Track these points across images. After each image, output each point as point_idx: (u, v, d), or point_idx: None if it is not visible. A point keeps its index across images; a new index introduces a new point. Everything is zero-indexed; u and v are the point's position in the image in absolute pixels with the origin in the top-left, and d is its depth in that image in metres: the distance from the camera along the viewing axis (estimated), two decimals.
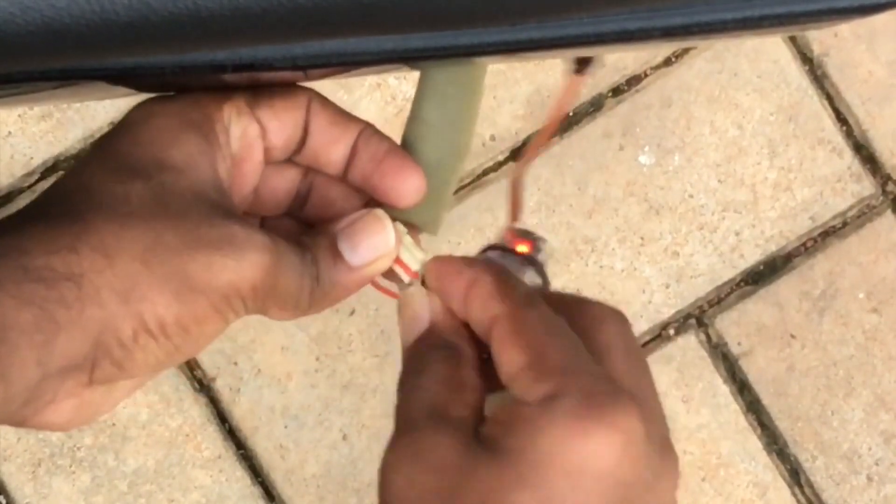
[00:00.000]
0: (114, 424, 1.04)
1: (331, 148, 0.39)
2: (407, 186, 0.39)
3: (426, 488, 0.34)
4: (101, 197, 0.35)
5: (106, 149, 0.37)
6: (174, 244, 0.34)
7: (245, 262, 0.35)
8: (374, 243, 0.39)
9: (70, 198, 0.35)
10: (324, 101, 0.39)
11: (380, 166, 0.39)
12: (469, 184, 1.05)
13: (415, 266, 0.40)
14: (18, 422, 0.35)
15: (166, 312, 0.34)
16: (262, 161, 0.39)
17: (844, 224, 1.06)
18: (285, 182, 0.41)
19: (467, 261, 0.39)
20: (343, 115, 0.40)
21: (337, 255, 0.38)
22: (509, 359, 0.35)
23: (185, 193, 0.35)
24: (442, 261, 0.40)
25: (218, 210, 0.36)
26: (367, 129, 0.40)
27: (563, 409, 0.33)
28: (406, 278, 0.40)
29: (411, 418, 0.36)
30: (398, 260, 0.40)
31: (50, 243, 0.33)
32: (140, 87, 0.37)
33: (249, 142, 0.38)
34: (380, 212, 0.39)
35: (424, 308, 0.39)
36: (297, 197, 0.41)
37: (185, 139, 0.36)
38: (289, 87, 0.39)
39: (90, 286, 0.33)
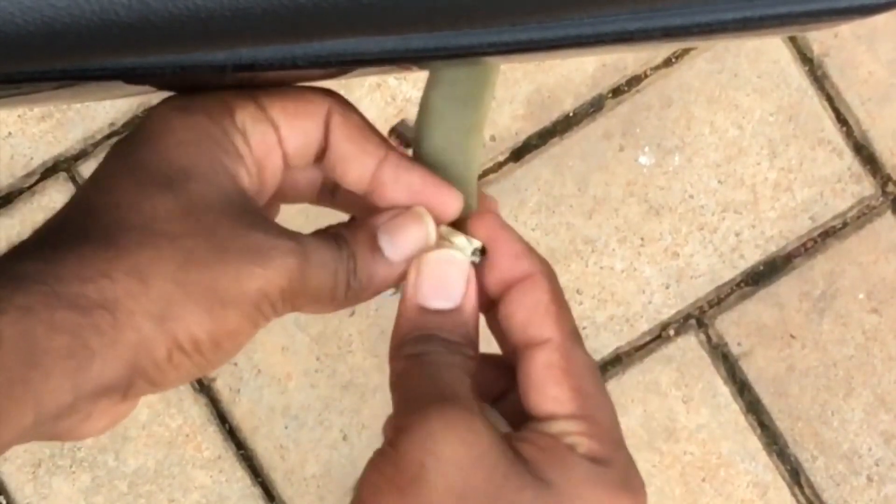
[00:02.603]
0: None
1: (348, 165, 0.39)
2: (449, 210, 0.40)
3: (473, 478, 0.35)
4: (131, 215, 0.35)
5: (129, 160, 0.36)
6: (204, 259, 0.35)
7: (271, 268, 0.35)
8: (414, 238, 0.39)
9: (100, 217, 0.35)
10: (345, 112, 0.39)
11: (419, 199, 0.39)
12: None
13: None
14: (51, 438, 0.35)
15: (199, 330, 0.35)
16: (281, 166, 0.39)
17: (844, 224, 1.06)
18: (306, 178, 0.41)
19: (529, 246, 0.40)
20: (362, 135, 0.39)
21: (376, 248, 0.39)
22: (556, 396, 0.37)
23: (212, 203, 0.36)
24: (503, 232, 0.40)
25: (244, 218, 0.36)
26: (391, 156, 0.39)
27: (612, 477, 0.36)
28: None
29: (455, 392, 0.37)
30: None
31: (83, 269, 0.33)
32: (141, 87, 0.37)
33: (268, 147, 0.38)
34: (420, 209, 0.39)
35: (459, 281, 0.39)
36: (324, 189, 0.41)
37: (206, 151, 0.36)
38: (306, 92, 0.39)
39: (124, 311, 0.33)
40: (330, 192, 0.41)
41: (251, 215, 0.36)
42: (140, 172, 0.36)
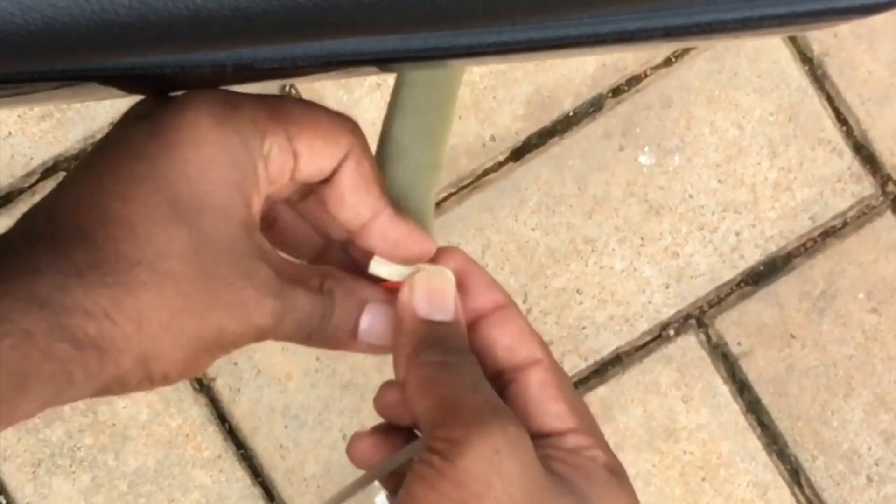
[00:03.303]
0: (114, 424, 1.04)
1: (344, 208, 0.40)
2: (424, 259, 0.41)
3: (531, 494, 0.36)
4: (144, 245, 0.35)
5: (152, 171, 0.36)
6: (196, 308, 0.36)
7: (250, 327, 0.37)
8: (389, 335, 0.41)
9: (115, 236, 0.35)
10: (359, 160, 0.39)
11: (398, 251, 0.41)
12: (469, 184, 1.05)
13: (396, 278, 0.41)
14: None
15: (173, 370, 0.37)
16: (285, 185, 0.40)
17: (844, 224, 1.06)
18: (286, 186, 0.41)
19: (492, 279, 0.42)
20: (367, 187, 0.40)
21: (355, 320, 0.40)
22: (558, 413, 0.39)
23: (219, 241, 0.36)
24: (473, 265, 0.41)
25: (241, 263, 0.37)
26: (385, 213, 0.40)
27: (625, 485, 0.39)
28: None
29: (500, 407, 0.37)
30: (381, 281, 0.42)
31: (89, 303, 0.34)
32: (142, 87, 0.37)
33: (283, 173, 0.38)
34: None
35: (451, 295, 0.40)
36: (295, 194, 0.42)
37: (229, 178, 0.37)
38: (335, 127, 0.39)
39: (114, 351, 0.35)
40: (267, 226, 0.42)
41: (249, 259, 0.37)
42: (160, 190, 0.36)
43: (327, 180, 0.39)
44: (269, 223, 0.42)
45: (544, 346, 0.40)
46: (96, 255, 0.35)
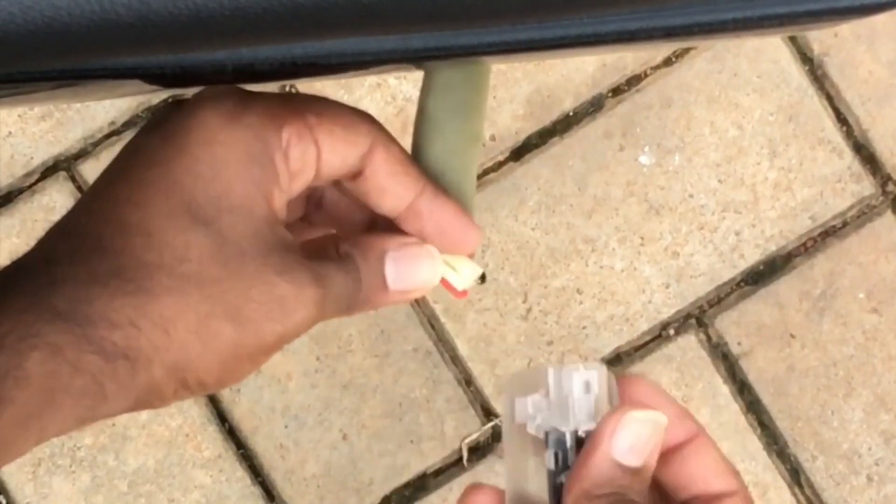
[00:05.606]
0: (114, 424, 1.04)
1: (385, 196, 0.40)
2: (470, 247, 0.41)
3: None
4: (162, 250, 0.35)
5: (165, 175, 0.36)
6: (227, 312, 0.35)
7: (292, 323, 0.37)
8: (421, 276, 0.40)
9: (131, 243, 0.35)
10: (388, 147, 0.39)
11: (445, 234, 0.40)
12: None
13: (462, 285, 0.41)
14: None
15: (209, 376, 0.36)
16: (310, 180, 0.39)
17: (844, 224, 1.06)
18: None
19: (682, 406, 0.41)
20: (404, 170, 0.39)
21: (382, 276, 0.39)
22: None
23: (242, 239, 0.36)
24: (662, 396, 0.41)
25: (270, 258, 0.36)
26: (427, 190, 0.40)
27: None
28: (460, 285, 0.42)
29: None
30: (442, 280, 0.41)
31: (113, 313, 0.34)
32: (143, 87, 0.37)
33: (305, 164, 0.38)
34: (433, 249, 0.40)
35: (655, 445, 0.39)
36: (308, 201, 0.42)
37: (245, 174, 0.36)
38: (354, 118, 0.39)
39: (144, 360, 0.34)
40: (315, 206, 0.42)
41: (277, 253, 0.37)
42: (174, 195, 0.36)
43: (360, 175, 0.39)
44: (315, 202, 0.42)
45: (738, 477, 0.40)
46: (115, 264, 0.35)
